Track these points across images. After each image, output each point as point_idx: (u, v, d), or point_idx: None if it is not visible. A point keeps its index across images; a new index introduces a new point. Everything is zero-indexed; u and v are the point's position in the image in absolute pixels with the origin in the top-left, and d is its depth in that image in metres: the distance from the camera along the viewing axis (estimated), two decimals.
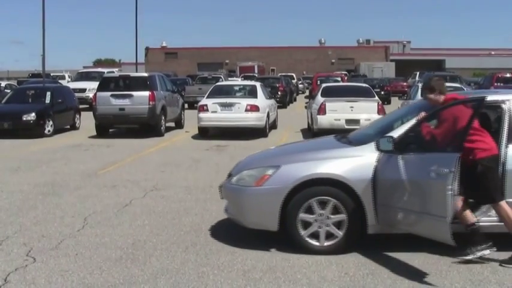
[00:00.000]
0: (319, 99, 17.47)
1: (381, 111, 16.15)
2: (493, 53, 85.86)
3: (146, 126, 18.21)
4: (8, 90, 25.36)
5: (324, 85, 20.45)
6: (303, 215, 6.08)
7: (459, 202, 5.65)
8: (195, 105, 23.51)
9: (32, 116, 17.69)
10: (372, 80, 40.51)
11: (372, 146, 6.05)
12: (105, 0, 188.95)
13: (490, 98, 6.28)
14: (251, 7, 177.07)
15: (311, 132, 17.59)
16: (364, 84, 21.21)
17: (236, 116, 17.31)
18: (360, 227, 6.06)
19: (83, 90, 28.79)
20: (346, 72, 55.82)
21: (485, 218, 6.04)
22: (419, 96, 14.87)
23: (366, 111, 16.14)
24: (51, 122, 18.30)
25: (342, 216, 6.05)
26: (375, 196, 5.90)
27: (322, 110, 16.64)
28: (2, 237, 6.74)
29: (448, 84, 26.59)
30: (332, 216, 6.07)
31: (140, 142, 16.66)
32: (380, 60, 77.18)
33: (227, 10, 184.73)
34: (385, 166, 5.85)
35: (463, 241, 5.69)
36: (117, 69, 43.43)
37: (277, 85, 33.16)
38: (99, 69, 40.05)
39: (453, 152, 5.37)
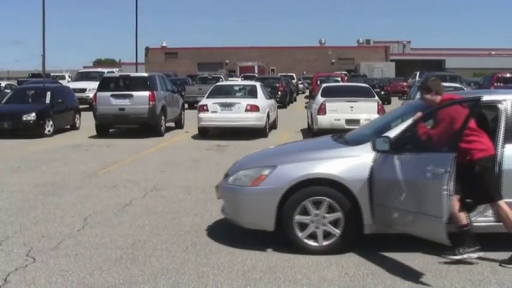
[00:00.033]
0: (319, 99, 17.47)
1: (381, 111, 16.13)
2: (493, 53, 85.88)
3: (146, 126, 18.21)
4: (8, 90, 25.36)
5: (324, 85, 20.45)
6: (299, 215, 6.09)
7: (455, 202, 5.66)
8: (195, 105, 23.51)
9: (32, 116, 17.69)
10: (372, 80, 40.51)
11: (368, 146, 6.06)
12: (105, 0, 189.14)
13: (486, 98, 6.30)
14: (251, 7, 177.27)
15: (311, 132, 17.59)
16: (364, 84, 21.20)
17: (236, 116, 17.31)
18: (356, 227, 6.06)
19: (83, 90, 28.80)
20: (346, 72, 55.83)
21: (482, 218, 6.05)
22: (419, 96, 14.86)
23: (366, 111, 16.14)
24: (51, 122, 18.30)
25: (339, 216, 6.05)
26: (371, 196, 5.91)
27: (322, 110, 16.64)
28: (2, 237, 6.74)
29: (448, 84, 26.61)
30: (328, 216, 6.07)
31: (140, 142, 16.67)
32: (380, 60, 77.20)
33: (227, 10, 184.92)
34: (382, 166, 5.86)
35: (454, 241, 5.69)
36: (117, 69, 43.40)
37: (277, 85, 33.16)
38: (99, 69, 40.04)
39: (449, 152, 5.38)
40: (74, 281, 5.34)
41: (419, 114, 5.98)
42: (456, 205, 5.68)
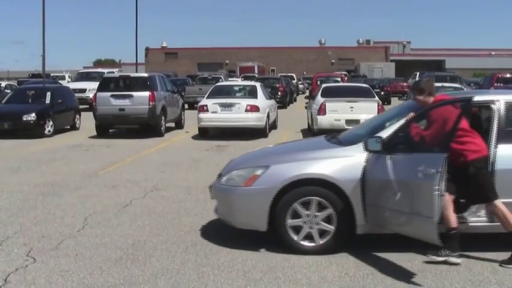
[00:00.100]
0: (319, 99, 17.47)
1: (381, 111, 16.11)
2: (493, 53, 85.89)
3: (146, 127, 18.21)
4: (8, 91, 25.35)
5: (324, 85, 20.45)
6: (291, 215, 6.09)
7: (449, 204, 5.68)
8: (195, 105, 23.50)
9: (32, 116, 17.69)
10: (372, 80, 40.50)
11: (361, 146, 6.06)
12: (105, 0, 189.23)
13: (478, 98, 6.34)
14: (251, 7, 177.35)
15: (311, 132, 17.59)
16: (364, 85, 21.20)
17: (236, 116, 17.31)
18: (349, 227, 6.06)
19: (83, 91, 28.80)
20: (346, 73, 55.83)
21: (474, 219, 6.06)
22: None
23: (366, 112, 16.12)
24: (51, 122, 18.30)
25: (331, 216, 6.05)
26: (364, 196, 5.92)
27: (322, 110, 16.64)
28: (2, 238, 6.74)
29: (448, 84, 26.56)
30: (320, 215, 6.06)
31: (140, 142, 16.67)
32: (380, 60, 77.19)
33: (227, 10, 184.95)
34: (374, 166, 5.87)
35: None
36: (117, 70, 43.45)
37: (277, 85, 33.17)
38: (99, 70, 40.05)
39: (440, 152, 5.38)
40: (74, 281, 5.35)
41: (411, 114, 6.00)
42: (450, 206, 5.69)
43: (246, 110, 17.35)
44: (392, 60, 76.40)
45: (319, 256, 5.99)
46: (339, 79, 37.13)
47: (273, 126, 19.78)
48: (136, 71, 37.18)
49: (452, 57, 77.76)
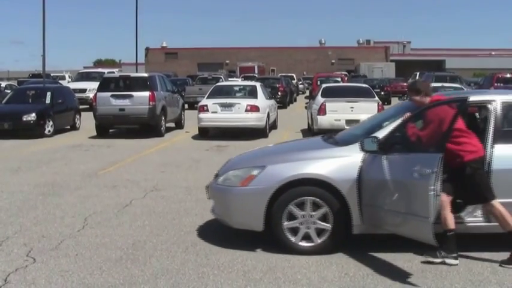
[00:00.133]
0: (320, 99, 17.47)
1: (381, 111, 16.12)
2: (493, 53, 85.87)
3: (146, 127, 18.21)
4: (8, 91, 25.37)
5: (324, 85, 20.45)
6: (288, 214, 6.09)
7: (447, 204, 5.68)
8: (195, 105, 23.52)
9: (32, 117, 17.69)
10: (372, 80, 40.51)
11: (357, 146, 6.05)
12: (105, 0, 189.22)
13: (475, 98, 6.34)
14: (251, 7, 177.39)
15: (311, 132, 17.59)
16: (364, 85, 21.20)
17: (236, 116, 17.31)
18: (345, 227, 6.06)
19: (83, 91, 28.81)
20: (346, 73, 55.83)
21: (471, 219, 6.06)
22: None
23: (366, 112, 16.08)
24: (51, 123, 18.30)
25: (327, 216, 6.06)
26: (360, 196, 5.92)
27: (322, 111, 16.65)
28: (2, 238, 6.74)
29: (448, 84, 26.54)
30: (317, 216, 6.06)
31: (140, 142, 16.67)
32: (380, 60, 77.17)
33: (227, 10, 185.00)
34: (370, 166, 5.88)
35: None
36: (117, 70, 43.46)
37: (278, 85, 33.17)
38: (100, 70, 40.06)
39: (436, 152, 5.39)
40: (74, 281, 5.35)
41: (408, 114, 6.00)
42: (447, 208, 5.70)
43: (246, 110, 17.35)
44: (392, 60, 76.38)
45: (319, 256, 5.99)
46: (339, 79, 37.11)
47: (273, 126, 19.78)
48: (137, 71, 37.14)
49: (452, 57, 77.75)
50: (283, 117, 23.37)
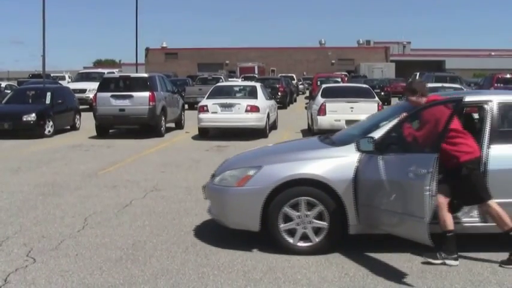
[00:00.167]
0: (320, 99, 17.48)
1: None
2: (493, 53, 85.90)
3: (146, 127, 18.21)
4: (8, 91, 25.36)
5: (324, 86, 20.46)
6: (285, 212, 6.10)
7: (445, 205, 5.69)
8: (195, 105, 23.52)
9: (32, 117, 17.70)
10: (372, 80, 40.52)
11: (353, 146, 6.05)
12: (105, 1, 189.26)
13: (469, 99, 6.36)
14: (251, 7, 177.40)
15: (311, 133, 17.59)
16: (364, 85, 21.21)
17: (236, 116, 17.31)
18: (341, 227, 6.06)
19: (83, 91, 28.82)
20: (346, 73, 55.82)
21: (467, 219, 6.07)
22: None
23: (366, 112, 16.01)
24: (51, 123, 18.30)
25: (323, 217, 6.06)
26: (356, 196, 5.93)
27: (322, 111, 16.65)
28: (2, 238, 6.74)
29: (448, 84, 26.51)
30: (313, 216, 6.07)
31: (140, 143, 16.67)
32: (380, 60, 77.17)
33: (227, 10, 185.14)
34: (366, 166, 5.88)
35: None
36: (117, 70, 43.51)
37: (278, 86, 33.16)
38: (100, 70, 40.09)
39: (431, 152, 5.39)
40: (74, 282, 5.35)
41: (404, 114, 6.01)
42: (445, 209, 5.70)
43: (246, 111, 17.35)
44: (392, 61, 76.39)
45: (319, 256, 6.00)
46: (339, 79, 37.11)
47: (273, 126, 19.78)
48: (137, 71, 37.16)
49: (452, 58, 77.74)
50: (283, 118, 23.37)
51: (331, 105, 16.69)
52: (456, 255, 5.73)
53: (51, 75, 44.66)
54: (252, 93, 18.67)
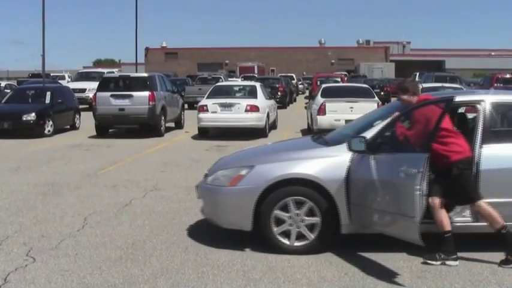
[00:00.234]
0: (319, 99, 17.48)
1: None
2: (493, 53, 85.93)
3: (146, 127, 18.21)
4: (8, 90, 25.36)
5: (323, 85, 20.46)
6: (277, 214, 6.10)
7: (440, 206, 5.69)
8: (195, 105, 23.51)
9: (32, 116, 17.69)
10: (372, 80, 40.50)
11: (346, 146, 6.05)
12: (105, 0, 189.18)
13: (464, 98, 6.35)
14: (251, 7, 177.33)
15: (311, 132, 17.60)
16: (364, 85, 21.21)
17: (236, 116, 17.32)
18: (333, 228, 6.06)
19: (83, 91, 28.81)
20: (346, 73, 55.85)
21: (459, 219, 6.06)
22: None
23: (365, 112, 16.08)
24: (51, 122, 18.31)
25: (316, 219, 6.06)
26: (348, 196, 5.93)
27: (322, 111, 16.66)
28: (2, 237, 6.74)
29: (447, 84, 26.50)
30: (305, 217, 6.07)
31: (140, 142, 16.67)
32: (380, 60, 77.24)
33: (227, 10, 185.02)
34: (358, 166, 5.89)
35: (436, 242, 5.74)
36: (117, 70, 43.43)
37: (277, 85, 33.19)
38: (99, 70, 40.08)
39: (422, 152, 5.39)
40: (74, 281, 5.35)
41: (396, 114, 6.01)
42: (441, 210, 5.71)
43: (246, 110, 17.35)
44: (392, 61, 76.45)
45: (319, 256, 6.00)
46: (339, 79, 37.12)
47: (273, 126, 19.78)
48: (136, 71, 37.12)
49: (452, 58, 77.78)
50: (283, 117, 23.37)
51: (331, 105, 16.69)
52: (455, 256, 5.73)
53: (51, 74, 44.66)
54: (251, 93, 18.68)
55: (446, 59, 78.21)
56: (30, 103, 19.10)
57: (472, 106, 6.62)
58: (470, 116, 7.14)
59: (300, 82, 56.72)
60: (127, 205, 8.45)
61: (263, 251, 6.15)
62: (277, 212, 6.09)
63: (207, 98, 18.44)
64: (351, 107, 16.56)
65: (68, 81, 38.52)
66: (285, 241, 6.13)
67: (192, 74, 46.50)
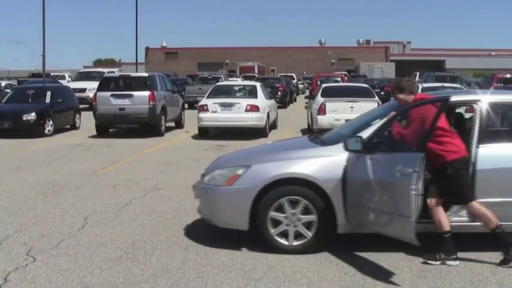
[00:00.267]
0: (319, 99, 17.49)
1: None
2: (493, 53, 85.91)
3: (146, 126, 18.22)
4: (8, 90, 25.37)
5: (324, 85, 20.47)
6: (273, 215, 6.11)
7: (438, 207, 5.69)
8: (195, 105, 23.52)
9: (32, 116, 17.70)
10: (372, 80, 40.43)
11: (342, 145, 6.05)
12: (105, 0, 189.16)
13: (458, 98, 6.35)
14: (251, 7, 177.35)
15: (311, 132, 17.60)
16: (364, 85, 21.21)
17: (236, 116, 17.32)
18: (330, 226, 6.07)
19: (83, 90, 28.82)
20: (346, 73, 55.84)
21: (456, 218, 6.06)
22: None
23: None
24: (51, 122, 18.31)
25: (312, 216, 6.07)
26: (345, 196, 5.93)
27: (322, 110, 16.66)
28: (2, 237, 6.74)
29: (448, 84, 26.49)
30: (302, 217, 6.08)
31: (140, 142, 16.67)
32: (380, 60, 77.20)
33: (227, 10, 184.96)
34: (354, 166, 5.89)
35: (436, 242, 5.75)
36: (117, 69, 43.43)
37: (277, 85, 33.17)
38: (99, 69, 40.08)
39: (418, 151, 5.39)
40: (74, 280, 5.35)
41: (392, 113, 6.01)
42: (439, 210, 5.71)
43: (246, 110, 17.36)
44: (392, 60, 76.40)
45: (319, 255, 6.00)
46: (339, 79, 37.14)
47: (273, 126, 19.78)
48: (137, 71, 37.11)
49: (452, 57, 77.77)
50: (283, 117, 23.37)
51: (331, 105, 16.69)
52: (456, 256, 5.73)
53: (51, 74, 44.65)
54: (252, 93, 18.68)
55: (446, 59, 78.20)
56: (30, 103, 19.11)
57: (469, 106, 6.63)
58: (467, 115, 7.14)
59: (300, 82, 56.72)
60: (127, 205, 8.46)
61: (263, 250, 6.15)
62: (274, 214, 6.10)
63: (207, 97, 18.44)
64: (351, 107, 16.55)
65: (68, 81, 38.52)
66: (284, 241, 6.13)
67: (192, 74, 46.50)
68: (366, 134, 6.01)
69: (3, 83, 30.82)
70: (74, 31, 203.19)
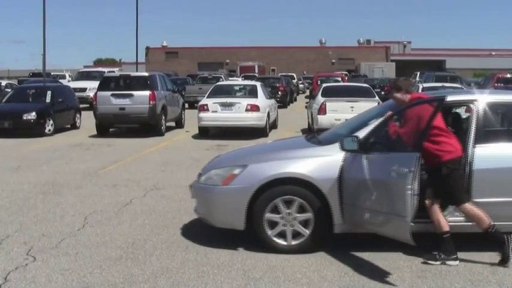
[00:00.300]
0: (320, 99, 17.49)
1: None
2: (493, 53, 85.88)
3: (147, 126, 18.22)
4: (9, 90, 25.38)
5: (324, 85, 20.47)
6: (269, 215, 6.11)
7: (436, 208, 5.69)
8: (196, 104, 23.52)
9: (32, 115, 17.70)
10: (373, 80, 40.43)
11: (338, 145, 6.05)
12: (106, 0, 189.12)
13: (455, 98, 6.35)
14: (251, 7, 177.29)
15: (311, 132, 17.60)
16: (364, 85, 21.21)
17: (236, 115, 17.32)
18: (326, 226, 6.07)
19: (84, 90, 28.82)
20: (346, 72, 55.82)
21: (452, 218, 6.06)
22: None
23: None
24: (51, 121, 18.31)
25: (308, 216, 6.08)
26: (341, 195, 5.93)
27: (322, 110, 16.66)
28: (2, 236, 6.75)
29: (448, 84, 26.51)
30: (298, 216, 6.08)
31: (141, 141, 16.68)
32: (380, 60, 77.17)
33: (227, 10, 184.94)
34: (351, 165, 5.89)
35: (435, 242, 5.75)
36: (117, 69, 43.37)
37: (278, 85, 33.16)
38: (100, 69, 40.05)
39: (413, 151, 5.40)
40: (74, 280, 5.35)
41: (389, 113, 6.01)
42: (438, 211, 5.71)
43: (247, 110, 17.36)
44: (392, 60, 76.36)
45: (319, 255, 6.00)
46: (340, 79, 37.12)
47: (273, 125, 19.79)
48: (137, 70, 37.05)
49: (452, 57, 77.71)
50: (284, 117, 23.38)
51: (332, 105, 16.69)
52: (455, 256, 5.73)
53: (52, 74, 44.61)
54: (252, 93, 18.68)
55: (446, 59, 78.15)
56: (30, 102, 19.10)
57: (465, 106, 6.63)
58: (464, 115, 7.14)
59: (301, 82, 56.73)
60: (127, 204, 8.46)
61: (263, 250, 6.16)
62: (270, 215, 6.10)
63: (208, 97, 18.44)
64: (352, 107, 16.54)
65: (69, 81, 38.51)
66: (281, 241, 6.13)
67: (193, 74, 46.44)
68: (362, 133, 6.02)
69: (4, 83, 30.82)
70: (74, 31, 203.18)
